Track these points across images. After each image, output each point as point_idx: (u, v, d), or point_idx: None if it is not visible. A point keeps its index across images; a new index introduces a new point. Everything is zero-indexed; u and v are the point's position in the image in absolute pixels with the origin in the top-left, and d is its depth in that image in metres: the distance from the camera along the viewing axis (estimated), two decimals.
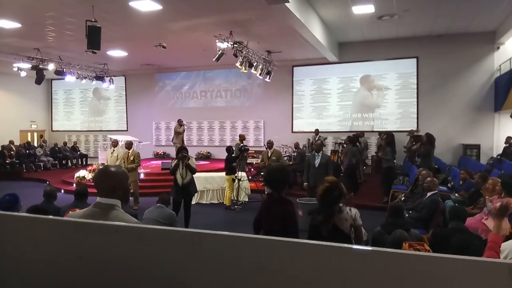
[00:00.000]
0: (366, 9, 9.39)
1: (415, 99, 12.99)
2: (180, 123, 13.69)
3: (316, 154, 8.09)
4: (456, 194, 6.76)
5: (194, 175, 7.34)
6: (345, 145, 10.86)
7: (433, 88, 12.64)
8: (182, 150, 7.36)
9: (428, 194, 5.75)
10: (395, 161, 9.53)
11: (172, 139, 13.99)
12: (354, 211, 3.42)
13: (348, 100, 13.99)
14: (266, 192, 9.12)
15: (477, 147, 11.89)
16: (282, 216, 3.34)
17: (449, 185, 7.86)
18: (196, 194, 9.88)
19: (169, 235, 1.61)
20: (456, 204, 5.47)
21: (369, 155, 12.87)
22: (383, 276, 1.30)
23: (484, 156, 11.69)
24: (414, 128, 12.42)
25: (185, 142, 13.82)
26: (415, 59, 12.89)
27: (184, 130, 13.84)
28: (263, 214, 3.57)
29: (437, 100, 12.57)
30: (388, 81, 13.36)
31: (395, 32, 11.89)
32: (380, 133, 12.26)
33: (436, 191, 5.79)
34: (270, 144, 9.10)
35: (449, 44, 12.19)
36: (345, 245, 1.40)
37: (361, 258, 1.35)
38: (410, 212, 5.83)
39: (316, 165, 7.86)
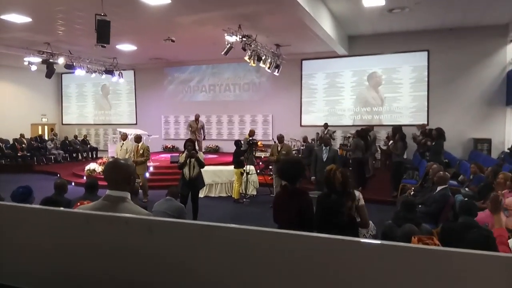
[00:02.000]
0: (377, 2, 9.27)
1: (426, 93, 12.85)
2: (196, 117, 13.65)
3: (324, 148, 8.07)
4: (466, 189, 6.71)
5: (203, 168, 7.40)
6: (353, 139, 10.80)
7: (444, 81, 12.49)
8: (187, 143, 7.38)
9: (438, 188, 5.71)
10: (405, 155, 9.49)
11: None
12: (358, 192, 3.51)
13: (358, 93, 13.89)
14: (274, 186, 9.18)
15: (488, 141, 11.76)
16: (300, 207, 3.37)
17: (459, 179, 7.80)
18: (204, 187, 9.96)
19: (179, 227, 1.63)
20: (466, 199, 5.43)
21: (378, 149, 12.79)
22: (392, 269, 1.30)
23: (495, 151, 11.55)
24: (425, 122, 12.33)
25: (198, 137, 13.52)
26: (426, 53, 12.73)
27: (200, 126, 13.67)
28: (280, 207, 3.57)
29: (448, 93, 12.43)
30: (399, 75, 13.23)
31: (406, 25, 11.74)
32: (392, 127, 12.17)
33: (446, 185, 5.75)
34: (280, 138, 9.10)
35: (461, 37, 12.01)
36: (355, 238, 1.40)
37: (371, 251, 1.36)
38: (420, 206, 5.80)
39: (324, 159, 7.85)
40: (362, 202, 3.49)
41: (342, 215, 3.32)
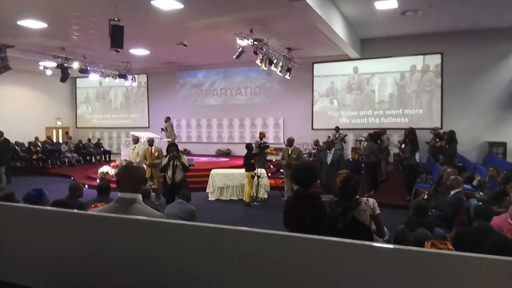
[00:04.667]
0: (389, 5, 9.22)
1: (440, 96, 12.72)
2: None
3: (328, 151, 8.14)
4: (481, 193, 6.61)
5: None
6: (366, 142, 10.72)
7: (458, 85, 12.34)
8: (171, 147, 7.27)
9: (452, 192, 5.63)
10: (417, 159, 9.37)
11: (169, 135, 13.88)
12: (372, 200, 3.40)
13: (370, 96, 13.81)
14: (285, 189, 9.16)
15: (504, 145, 11.56)
16: (314, 213, 3.32)
17: (473, 183, 7.68)
18: (216, 189, 9.99)
19: (191, 230, 1.63)
20: (481, 203, 5.35)
21: (391, 153, 12.68)
22: (405, 274, 1.29)
23: (511, 154, 11.36)
24: (438, 126, 12.18)
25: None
26: (439, 55, 12.61)
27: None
28: (292, 212, 3.53)
29: (462, 97, 12.27)
30: (413, 78, 13.13)
31: (419, 28, 11.64)
32: (405, 131, 12.06)
33: (460, 189, 5.67)
34: (290, 142, 9.09)
35: (475, 39, 11.86)
36: (367, 242, 1.39)
37: (383, 255, 1.34)
38: (433, 210, 5.73)
39: (328, 162, 7.93)
40: (377, 211, 3.38)
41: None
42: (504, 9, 9.85)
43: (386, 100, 13.59)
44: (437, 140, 10.33)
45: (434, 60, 12.74)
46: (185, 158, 7.26)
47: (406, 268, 1.29)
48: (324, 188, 7.88)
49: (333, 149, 8.21)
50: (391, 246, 1.37)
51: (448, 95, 12.56)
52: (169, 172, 7.06)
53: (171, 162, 7.06)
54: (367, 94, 13.87)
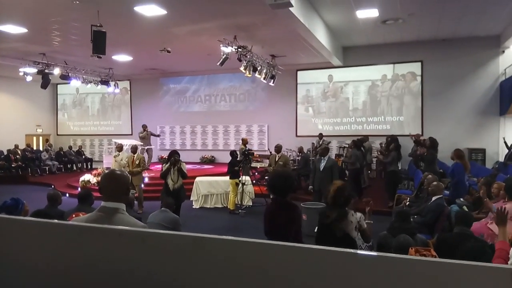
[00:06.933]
0: (370, 14, 9.39)
1: (420, 103, 12.95)
2: (144, 128, 13.96)
3: (322, 158, 8.12)
4: (461, 199, 6.72)
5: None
6: (350, 149, 10.81)
7: (438, 92, 12.60)
8: (174, 154, 7.35)
9: (433, 198, 5.71)
10: (399, 165, 9.49)
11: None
12: (359, 214, 3.43)
13: (352, 104, 13.97)
14: (271, 197, 9.15)
15: (482, 151, 11.82)
16: (287, 220, 3.33)
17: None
18: (200, 197, 9.93)
19: (172, 239, 1.61)
20: (464, 207, 5.44)
21: (373, 159, 12.82)
22: (389, 282, 1.29)
23: (490, 160, 11.62)
24: (419, 132, 12.38)
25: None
26: (419, 63, 12.86)
27: (148, 134, 13.95)
28: (270, 219, 3.53)
29: (442, 104, 12.53)
30: (393, 85, 13.34)
31: (400, 36, 11.87)
32: (387, 137, 12.21)
33: (441, 195, 5.75)
34: (278, 149, 9.08)
35: (454, 48, 12.16)
36: (350, 250, 1.39)
37: (367, 263, 1.35)
38: (415, 216, 5.80)
39: (321, 169, 7.88)
40: (364, 226, 3.42)
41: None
42: (481, 19, 10.14)
43: (360, 107, 13.81)
44: (418, 147, 10.48)
45: (413, 68, 12.99)
46: (184, 166, 7.29)
47: (390, 275, 1.30)
48: (315, 194, 7.88)
49: (327, 156, 8.14)
50: (374, 253, 1.37)
51: (428, 102, 12.81)
52: (173, 178, 7.12)
53: (173, 168, 7.10)
54: (342, 101, 14.08)
